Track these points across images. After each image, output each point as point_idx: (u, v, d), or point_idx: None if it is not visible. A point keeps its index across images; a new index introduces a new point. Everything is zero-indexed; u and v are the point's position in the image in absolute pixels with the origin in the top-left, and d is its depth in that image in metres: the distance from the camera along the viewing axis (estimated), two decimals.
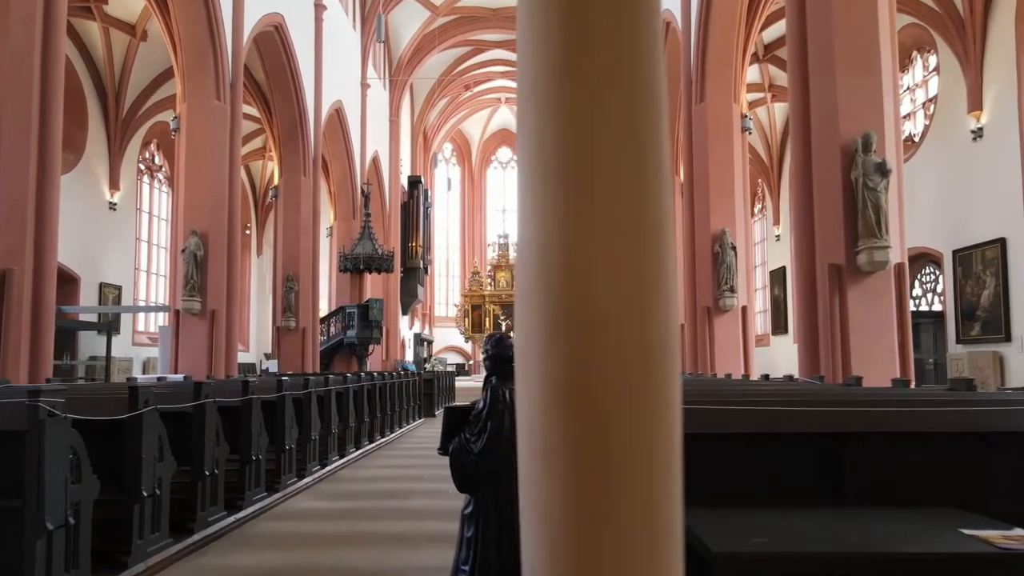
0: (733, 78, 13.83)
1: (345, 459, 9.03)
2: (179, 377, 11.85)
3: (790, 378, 9.08)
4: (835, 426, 3.24)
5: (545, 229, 0.93)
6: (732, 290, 13.23)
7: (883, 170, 7.90)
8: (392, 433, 12.26)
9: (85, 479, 3.72)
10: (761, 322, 23.19)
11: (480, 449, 2.96)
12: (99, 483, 3.83)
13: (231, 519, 5.58)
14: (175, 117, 14.15)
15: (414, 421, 14.84)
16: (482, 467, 2.97)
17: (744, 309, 13.50)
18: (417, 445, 11.14)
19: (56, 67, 8.74)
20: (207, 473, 5.24)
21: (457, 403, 3.44)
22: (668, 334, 0.93)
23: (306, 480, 7.50)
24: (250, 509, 5.95)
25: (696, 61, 13.99)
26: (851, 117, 8.18)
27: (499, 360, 3.10)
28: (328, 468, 8.29)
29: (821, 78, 8.41)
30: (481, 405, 3.03)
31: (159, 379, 11.63)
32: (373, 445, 10.64)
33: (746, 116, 14.24)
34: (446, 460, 3.09)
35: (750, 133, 14.70)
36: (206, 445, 5.24)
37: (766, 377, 9.18)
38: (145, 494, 4.25)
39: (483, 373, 3.30)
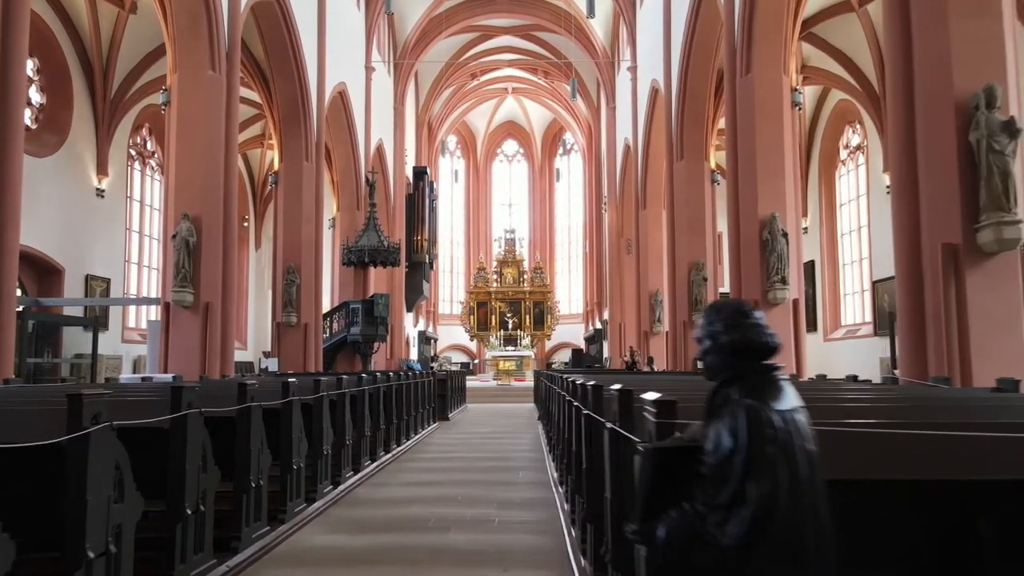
0: (783, 47, 12.44)
1: (360, 475, 7.65)
2: (168, 377, 10.49)
3: (853, 378, 7.76)
4: None
5: None
6: (784, 281, 11.89)
7: (1012, 129, 6.55)
8: (408, 441, 10.89)
9: None
10: None
11: (740, 535, 1.50)
12: (15, 547, 2.47)
13: (222, 568, 4.20)
14: (165, 89, 12.76)
15: (428, 426, 13.48)
16: (743, 569, 1.52)
17: (796, 303, 12.18)
18: (438, 455, 9.76)
19: (21, 8, 7.39)
20: (189, 511, 3.86)
21: (665, 440, 1.99)
22: None
23: (317, 505, 6.12)
24: (248, 552, 4.57)
25: (742, 29, 12.61)
26: (968, 68, 6.83)
27: (746, 353, 1.64)
28: (342, 488, 6.91)
29: (928, 22, 7.04)
30: (727, 445, 1.53)
31: (143, 379, 10.29)
32: (390, 456, 9.27)
33: (796, 90, 12.87)
34: (481, 476, 1.69)
35: (800, 109, 13.33)
36: (187, 472, 3.85)
37: (854, 378, 7.81)
38: (91, 555, 2.88)
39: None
